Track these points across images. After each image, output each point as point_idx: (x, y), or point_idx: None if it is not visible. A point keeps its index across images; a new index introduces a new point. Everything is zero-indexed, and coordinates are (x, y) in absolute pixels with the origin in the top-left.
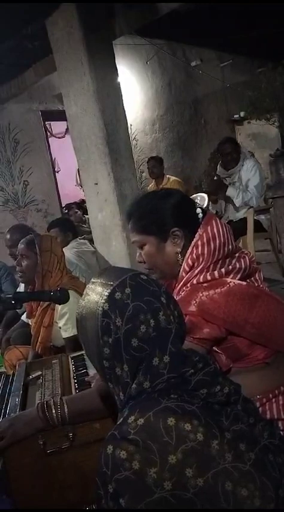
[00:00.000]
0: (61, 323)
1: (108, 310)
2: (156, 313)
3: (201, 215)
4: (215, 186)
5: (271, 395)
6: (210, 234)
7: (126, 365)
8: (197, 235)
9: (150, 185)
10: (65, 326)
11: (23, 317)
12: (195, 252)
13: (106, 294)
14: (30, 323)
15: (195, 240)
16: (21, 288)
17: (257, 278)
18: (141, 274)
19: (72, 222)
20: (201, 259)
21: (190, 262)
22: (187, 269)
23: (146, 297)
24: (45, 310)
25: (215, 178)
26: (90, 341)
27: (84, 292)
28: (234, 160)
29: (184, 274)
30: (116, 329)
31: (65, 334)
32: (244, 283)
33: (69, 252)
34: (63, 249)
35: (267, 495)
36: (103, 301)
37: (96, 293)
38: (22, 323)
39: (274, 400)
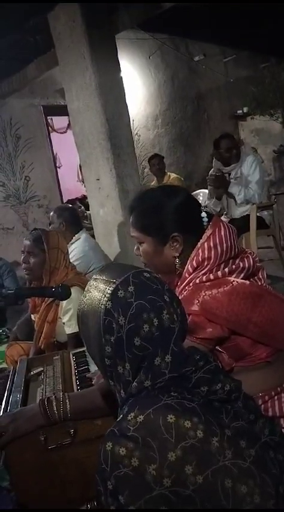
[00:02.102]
0: (65, 319)
1: (111, 309)
2: (159, 312)
3: (206, 219)
4: (220, 181)
5: (273, 392)
6: (217, 238)
7: (128, 364)
8: (204, 237)
9: (153, 182)
10: (68, 322)
11: None
12: (200, 254)
13: (109, 292)
14: (33, 318)
15: (201, 241)
16: None
17: (261, 277)
18: (144, 271)
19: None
20: (206, 263)
21: (194, 264)
22: (191, 270)
23: (149, 295)
24: (49, 305)
25: (216, 173)
26: (92, 339)
27: (86, 289)
28: (236, 156)
29: (187, 275)
30: (119, 328)
31: (68, 330)
32: (248, 282)
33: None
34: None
35: (267, 492)
36: (106, 299)
37: (98, 290)
38: (28, 316)
39: (276, 397)
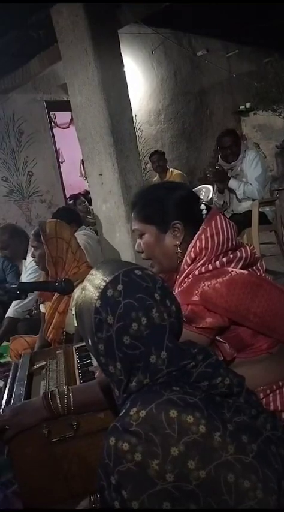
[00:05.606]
0: (75, 311)
1: (100, 308)
2: (148, 310)
3: (205, 211)
4: (220, 175)
5: (274, 386)
6: (214, 229)
7: (119, 363)
8: (201, 229)
9: (155, 179)
10: None
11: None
12: (198, 245)
13: (99, 290)
14: (43, 310)
15: (198, 233)
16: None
17: (259, 267)
18: (135, 269)
19: (76, 212)
20: (203, 253)
21: (192, 255)
22: (189, 262)
23: (138, 294)
24: (61, 296)
25: (218, 167)
26: (88, 335)
27: (84, 284)
28: (234, 154)
29: (185, 267)
30: (108, 326)
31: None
32: (246, 272)
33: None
34: None
35: (269, 487)
36: (96, 297)
37: (93, 286)
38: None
39: (277, 391)
